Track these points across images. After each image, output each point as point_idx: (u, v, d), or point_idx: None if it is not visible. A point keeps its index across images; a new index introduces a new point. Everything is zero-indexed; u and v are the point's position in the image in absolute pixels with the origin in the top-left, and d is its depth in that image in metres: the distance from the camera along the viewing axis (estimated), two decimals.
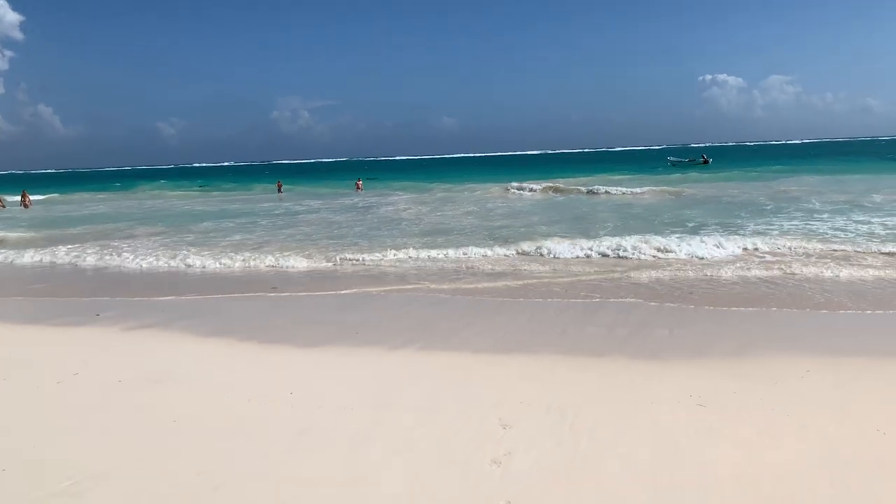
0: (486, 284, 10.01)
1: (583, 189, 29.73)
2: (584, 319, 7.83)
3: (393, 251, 12.47)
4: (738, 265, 10.43)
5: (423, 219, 20.23)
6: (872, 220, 14.87)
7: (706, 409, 4.73)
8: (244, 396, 5.28)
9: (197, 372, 6.21)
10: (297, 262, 12.30)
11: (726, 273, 9.94)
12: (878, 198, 19.81)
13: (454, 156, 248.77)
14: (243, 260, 12.70)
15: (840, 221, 14.74)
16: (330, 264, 12.15)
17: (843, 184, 27.50)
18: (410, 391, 5.38)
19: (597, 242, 12.18)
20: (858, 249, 11.08)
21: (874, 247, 11.11)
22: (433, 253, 12.13)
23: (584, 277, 10.18)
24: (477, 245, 12.63)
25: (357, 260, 12.24)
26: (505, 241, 13.29)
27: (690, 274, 10.02)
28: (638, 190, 27.20)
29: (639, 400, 4.98)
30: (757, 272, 9.89)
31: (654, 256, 11.36)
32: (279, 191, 41.51)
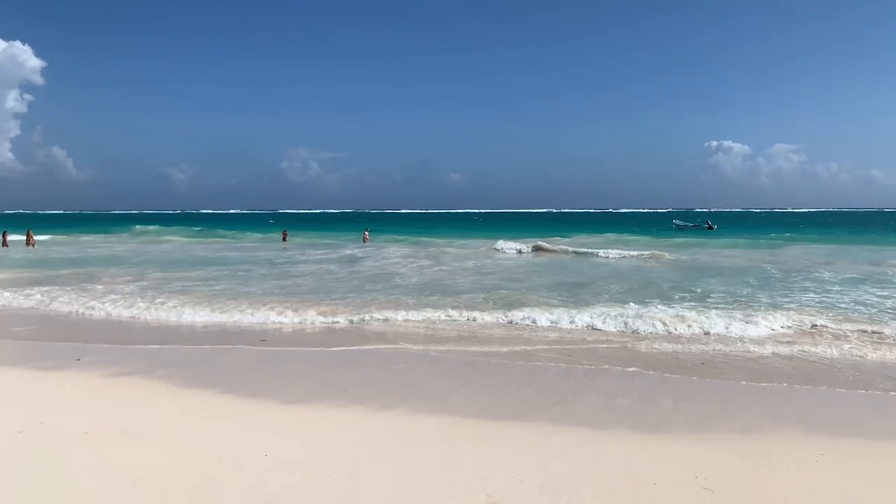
0: (484, 348, 9.67)
1: (584, 250, 28.95)
2: (584, 387, 7.45)
3: (391, 311, 12.02)
4: (762, 340, 9.82)
5: (421, 274, 19.78)
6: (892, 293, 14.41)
7: (713, 495, 4.34)
8: (214, 456, 4.91)
9: (170, 426, 5.85)
10: (290, 317, 11.84)
11: (747, 347, 9.47)
12: (889, 270, 19.49)
13: (460, 211, 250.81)
14: (238, 311, 12.26)
15: (854, 294, 14.20)
16: (326, 319, 11.69)
17: (850, 254, 27.26)
18: (393, 458, 5.00)
19: (598, 310, 11.56)
20: (879, 330, 10.19)
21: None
22: (429, 314, 11.62)
23: (582, 346, 9.78)
24: (478, 309, 12.08)
25: (356, 317, 11.65)
26: (503, 306, 12.55)
27: (703, 347, 9.56)
28: (645, 253, 26.67)
29: (640, 480, 4.60)
30: (778, 348, 9.32)
31: (665, 331, 10.45)
32: (284, 240, 41.51)
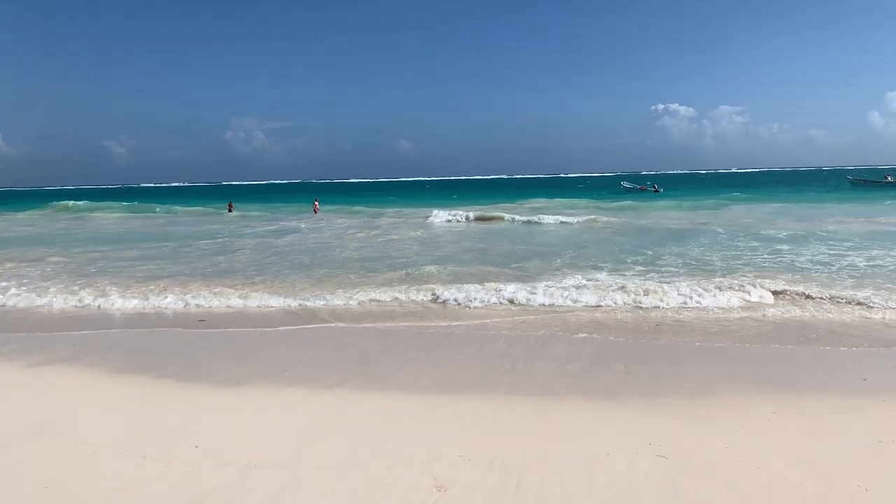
0: (432, 322, 9.45)
1: (527, 217, 27.73)
2: (535, 354, 7.30)
3: (337, 287, 11.47)
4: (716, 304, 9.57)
5: (367, 247, 18.98)
6: (847, 253, 14.47)
7: (668, 462, 4.22)
8: (140, 452, 4.54)
9: (94, 419, 5.42)
10: (230, 296, 11.06)
11: (699, 309, 9.36)
12: (832, 227, 20.03)
13: (411, 179, 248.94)
14: (174, 291, 11.54)
15: (806, 253, 14.24)
16: (269, 298, 10.87)
17: (793, 213, 28.09)
18: (334, 443, 4.72)
19: (544, 282, 10.96)
20: (832, 288, 9.97)
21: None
22: (375, 290, 10.99)
23: (530, 316, 9.53)
24: (423, 283, 11.43)
25: (298, 295, 10.92)
26: (446, 280, 11.77)
27: (655, 311, 9.39)
28: (592, 218, 26.51)
29: (593, 451, 4.45)
30: (731, 310, 9.20)
31: (617, 297, 9.90)
32: (230, 211, 40.25)
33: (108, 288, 11.80)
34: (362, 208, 39.51)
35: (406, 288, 11.09)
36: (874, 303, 8.93)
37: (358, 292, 10.86)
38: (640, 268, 12.75)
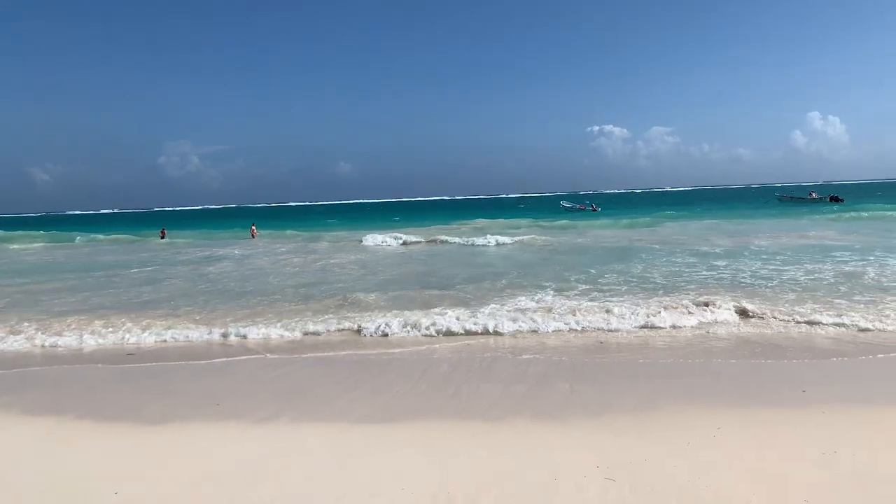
0: (370, 351, 9.21)
1: (470, 239, 26.73)
2: (479, 376, 7.19)
3: (269, 316, 11.03)
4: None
5: (302, 273, 18.24)
6: (784, 267, 15.09)
7: (616, 485, 4.14)
8: (54, 502, 4.16)
9: (3, 467, 4.97)
10: (158, 329, 10.44)
11: (642, 327, 9.36)
12: (765, 242, 20.81)
13: (352, 202, 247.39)
14: (96, 325, 10.80)
15: (742, 267, 14.76)
16: (199, 329, 10.34)
17: (724, 229, 29.12)
18: (270, 482, 4.45)
19: (490, 307, 10.94)
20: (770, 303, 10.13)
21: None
22: (312, 318, 10.50)
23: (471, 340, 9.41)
24: (362, 311, 11.07)
25: (230, 326, 10.33)
26: (382, 307, 11.40)
27: (598, 331, 9.37)
28: (533, 237, 26.70)
29: (542, 476, 4.33)
30: (678, 328, 9.24)
31: (559, 319, 9.69)
32: (162, 237, 38.80)
33: (24, 324, 11.05)
34: (300, 232, 38.64)
35: (344, 315, 10.74)
36: (813, 317, 9.13)
37: (294, 321, 10.46)
38: (583, 286, 12.80)
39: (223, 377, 7.72)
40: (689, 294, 11.23)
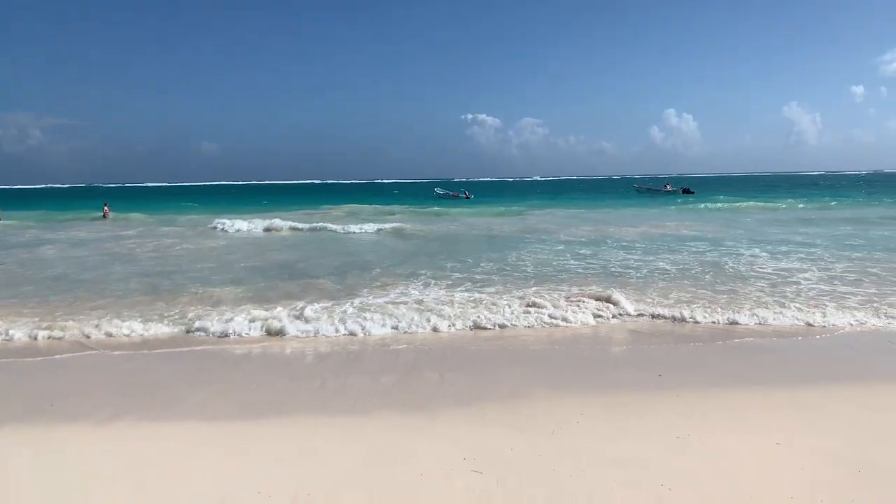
0: (222, 346, 8.66)
1: (343, 226, 25.38)
2: (348, 368, 6.97)
3: (112, 307, 10.14)
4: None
5: (150, 260, 16.89)
6: (646, 257, 16.01)
7: (483, 478, 4.10)
8: None
9: None
10: None
11: (512, 316, 9.43)
12: (626, 231, 22.05)
13: (216, 183, 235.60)
14: None
15: (607, 257, 15.52)
16: (29, 322, 9.29)
17: (587, 219, 30.65)
18: (109, 490, 3.99)
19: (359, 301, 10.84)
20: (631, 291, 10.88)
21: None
22: (161, 314, 9.48)
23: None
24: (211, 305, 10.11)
25: (66, 318, 9.41)
26: (237, 301, 10.51)
27: (470, 321, 9.59)
28: (403, 227, 26.53)
29: (408, 472, 4.21)
30: (542, 315, 9.37)
31: (430, 310, 10.03)
32: None
33: None
34: (153, 215, 35.96)
35: (194, 308, 9.95)
36: (679, 307, 9.47)
37: (137, 313, 9.59)
38: (457, 275, 12.70)
39: (56, 376, 6.95)
40: (560, 284, 11.51)
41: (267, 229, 25.84)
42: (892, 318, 8.77)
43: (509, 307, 9.52)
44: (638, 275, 12.64)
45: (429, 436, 4.95)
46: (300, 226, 26.22)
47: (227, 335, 8.43)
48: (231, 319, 8.88)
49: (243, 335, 8.42)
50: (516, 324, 8.86)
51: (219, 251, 18.60)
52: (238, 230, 25.49)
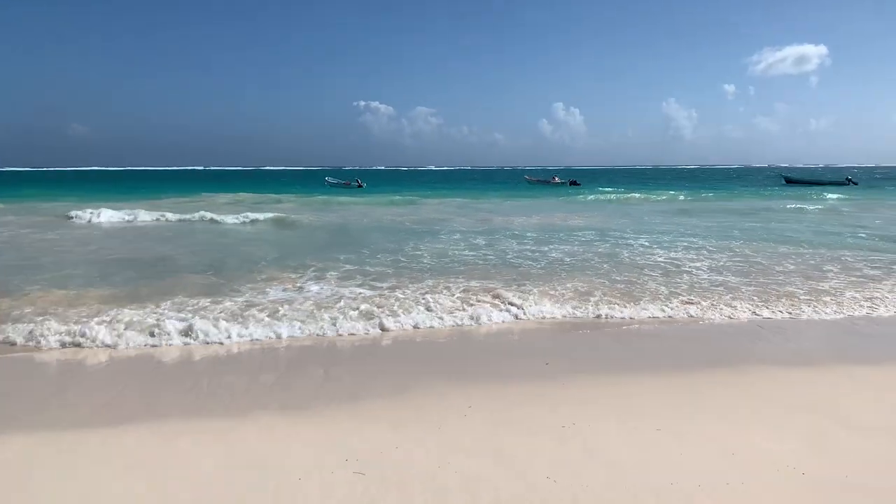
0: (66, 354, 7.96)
1: (223, 216, 23.43)
2: (224, 366, 6.59)
3: None
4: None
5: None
6: (540, 248, 16.25)
7: (366, 479, 3.95)
8: None
9: None
10: None
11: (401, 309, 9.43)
12: (518, 221, 22.45)
13: (85, 168, 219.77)
14: None
15: (507, 249, 15.60)
16: None
17: (478, 208, 31.11)
18: None
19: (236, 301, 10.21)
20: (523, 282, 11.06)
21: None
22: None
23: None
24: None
25: None
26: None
27: (364, 313, 9.34)
28: (286, 217, 25.81)
29: (286, 478, 3.98)
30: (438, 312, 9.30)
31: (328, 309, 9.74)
32: None
33: None
34: (10, 203, 32.64)
35: (49, 309, 8.92)
36: (574, 299, 9.46)
37: None
38: (349, 267, 12.23)
39: None
40: (458, 276, 11.30)
41: (137, 219, 23.50)
42: (770, 306, 9.30)
43: (405, 302, 9.19)
44: (539, 266, 12.62)
45: (309, 436, 4.73)
46: (176, 216, 23.93)
47: (79, 338, 7.47)
48: (86, 321, 7.99)
49: (98, 338, 7.45)
50: (414, 322, 8.32)
51: (80, 243, 16.74)
52: (104, 220, 23.02)
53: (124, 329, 7.71)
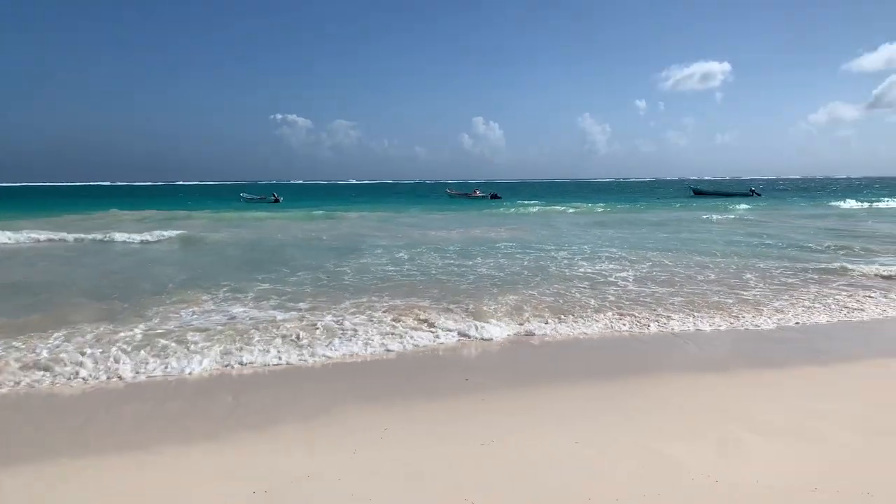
0: None
1: (129, 236, 21.82)
2: (124, 395, 6.21)
3: None
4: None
5: None
6: (465, 262, 16.23)
7: None
8: None
9: None
10: None
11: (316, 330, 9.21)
12: (439, 235, 22.49)
13: None
14: None
15: (431, 264, 15.50)
16: None
17: (403, 221, 31.04)
18: None
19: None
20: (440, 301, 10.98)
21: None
22: None
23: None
24: None
25: None
26: None
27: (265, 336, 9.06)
28: (192, 235, 24.91)
29: None
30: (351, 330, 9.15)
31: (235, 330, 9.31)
32: None
33: None
34: None
35: None
36: (507, 314, 9.40)
37: None
38: (266, 286, 11.75)
39: None
40: (382, 294, 11.02)
41: (28, 239, 21.43)
42: (704, 317, 9.42)
43: (325, 324, 8.81)
44: (467, 281, 12.48)
45: (216, 467, 4.49)
46: (73, 235, 22.09)
47: None
48: None
49: None
50: (333, 345, 7.92)
51: None
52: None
53: (6, 364, 7.06)
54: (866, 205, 46.76)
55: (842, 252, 16.73)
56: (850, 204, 47.47)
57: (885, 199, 52.76)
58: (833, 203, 49.42)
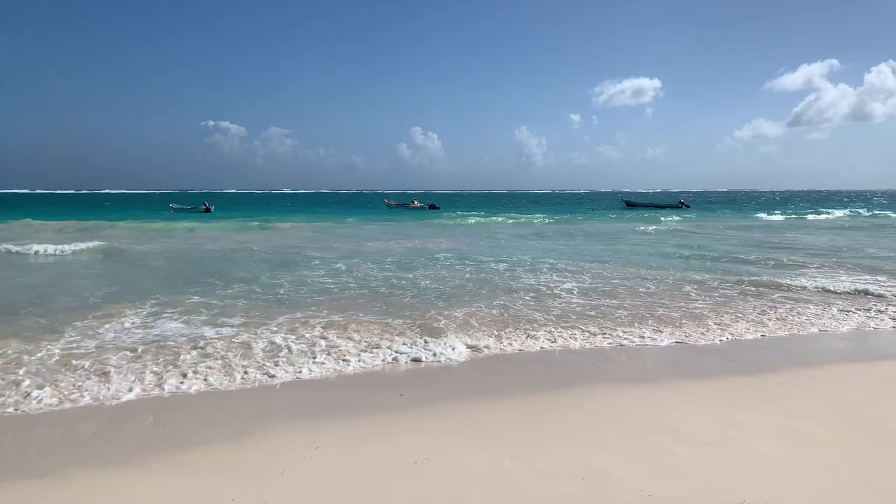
0: None
1: (41, 247, 20.21)
2: (30, 418, 5.83)
3: None
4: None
5: None
6: (406, 274, 16.08)
7: None
8: None
9: None
10: None
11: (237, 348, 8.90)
12: (378, 246, 22.32)
13: None
14: None
15: (369, 275, 15.40)
16: None
17: (340, 232, 30.67)
18: None
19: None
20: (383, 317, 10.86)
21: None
22: None
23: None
24: None
25: None
26: None
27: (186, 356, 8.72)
28: (114, 247, 23.99)
29: None
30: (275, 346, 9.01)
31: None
32: None
33: None
34: None
35: None
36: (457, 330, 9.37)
37: None
38: (196, 299, 11.40)
39: None
40: (319, 308, 10.76)
41: None
42: (631, 328, 9.72)
43: (257, 342, 8.54)
44: (409, 294, 12.31)
45: (132, 494, 4.25)
46: None
47: None
48: None
49: None
50: (263, 367, 7.70)
51: None
52: None
53: None
54: (792, 217, 49.29)
55: (771, 263, 17.38)
56: (776, 216, 49.82)
57: (809, 213, 55.44)
58: (758, 215, 51.80)
